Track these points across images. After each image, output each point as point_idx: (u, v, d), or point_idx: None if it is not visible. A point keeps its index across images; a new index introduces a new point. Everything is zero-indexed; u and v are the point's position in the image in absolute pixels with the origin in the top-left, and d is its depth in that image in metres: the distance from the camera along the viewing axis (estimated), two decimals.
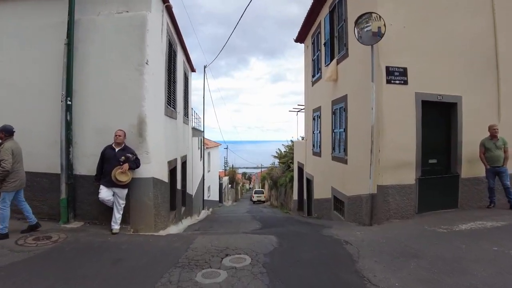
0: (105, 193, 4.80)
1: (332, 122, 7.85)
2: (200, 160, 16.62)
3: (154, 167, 5.28)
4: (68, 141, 5.22)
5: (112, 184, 4.75)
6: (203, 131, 18.82)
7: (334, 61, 7.52)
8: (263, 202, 30.67)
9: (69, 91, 5.24)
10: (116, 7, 5.43)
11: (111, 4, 5.43)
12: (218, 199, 25.05)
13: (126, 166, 4.72)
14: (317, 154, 9.51)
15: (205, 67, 19.27)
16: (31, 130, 5.41)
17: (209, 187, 21.31)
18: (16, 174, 4.50)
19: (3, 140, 4.58)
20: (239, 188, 48.79)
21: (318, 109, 9.52)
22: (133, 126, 5.12)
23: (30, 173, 5.57)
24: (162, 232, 5.58)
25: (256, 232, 5.52)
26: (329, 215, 7.97)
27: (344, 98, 6.98)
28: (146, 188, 5.13)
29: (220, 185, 27.36)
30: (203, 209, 16.16)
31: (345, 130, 6.90)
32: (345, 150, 6.87)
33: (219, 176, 29.03)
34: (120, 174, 4.69)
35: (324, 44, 8.55)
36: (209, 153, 22.16)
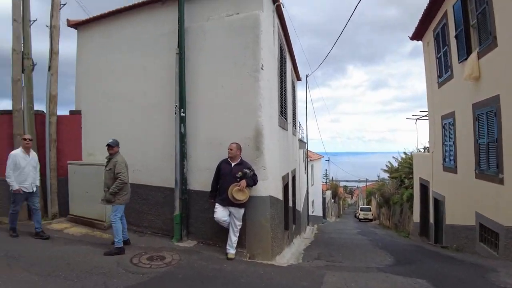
0: (221, 212, 4.69)
1: (475, 130, 6.66)
2: (304, 173, 16.35)
3: (271, 184, 4.98)
4: (183, 154, 5.35)
5: (228, 202, 4.62)
6: (307, 143, 18.68)
7: (474, 55, 6.49)
8: (370, 220, 29.31)
9: (182, 103, 5.34)
10: (225, 10, 5.43)
11: (221, 8, 5.47)
12: (321, 215, 24.31)
13: (243, 183, 4.49)
14: (451, 169, 8.14)
15: (307, 76, 20.06)
16: (145, 143, 5.70)
17: (312, 202, 20.89)
18: (126, 187, 4.92)
19: (114, 154, 4.98)
20: (341, 202, 47.19)
21: (450, 115, 8.22)
22: (249, 138, 4.94)
23: (145, 186, 5.86)
24: (278, 258, 5.23)
25: (396, 271, 4.63)
26: (472, 248, 6.69)
27: (493, 100, 5.81)
28: (263, 208, 4.81)
29: (323, 199, 26.57)
30: (307, 225, 15.67)
31: (497, 140, 5.67)
32: (499, 166, 5.67)
33: (322, 190, 28.26)
34: (237, 191, 4.42)
35: (455, 36, 7.45)
36: (312, 166, 21.79)
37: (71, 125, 7.11)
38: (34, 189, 5.42)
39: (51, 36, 7.08)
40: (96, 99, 6.92)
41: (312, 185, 21.69)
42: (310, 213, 19.02)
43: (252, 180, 4.64)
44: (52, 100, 6.97)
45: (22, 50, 6.84)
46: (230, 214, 4.73)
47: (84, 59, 7.22)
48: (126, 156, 5.19)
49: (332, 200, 39.64)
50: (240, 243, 4.93)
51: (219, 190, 4.79)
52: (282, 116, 6.88)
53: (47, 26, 7.14)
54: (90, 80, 7.06)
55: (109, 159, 5.01)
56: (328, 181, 44.86)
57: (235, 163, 4.73)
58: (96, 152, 6.81)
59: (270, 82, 5.38)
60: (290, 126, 8.56)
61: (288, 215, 7.24)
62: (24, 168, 5.25)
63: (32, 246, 5.07)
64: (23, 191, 5.25)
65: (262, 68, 4.98)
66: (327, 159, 41.15)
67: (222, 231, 5.05)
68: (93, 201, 6.16)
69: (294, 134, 10.01)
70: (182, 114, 5.38)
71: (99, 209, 6.07)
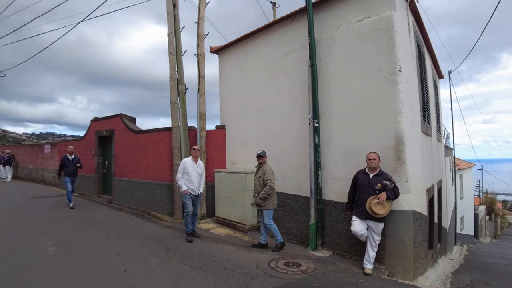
0: (358, 226, 4.62)
1: None
2: (452, 184, 14.39)
3: (414, 198, 4.63)
4: (317, 164, 5.50)
5: (366, 215, 4.53)
6: (454, 149, 16.38)
7: None
8: None
9: (316, 113, 5.53)
10: (355, 16, 5.43)
11: (350, 15, 5.50)
12: (472, 234, 20.89)
13: (383, 195, 4.31)
14: None
15: (450, 72, 17.99)
16: (281, 153, 6.12)
17: (461, 218, 18.20)
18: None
19: (263, 163, 5.65)
20: (498, 220, 39.41)
21: None
22: (388, 147, 4.70)
23: (282, 194, 6.20)
24: (421, 279, 4.83)
25: None
26: None
27: None
28: (405, 224, 4.51)
29: (475, 215, 22.74)
30: (455, 244, 13.73)
31: None
32: None
33: (473, 204, 24.20)
34: (376, 205, 4.26)
35: None
36: (461, 176, 19.00)
37: (217, 138, 8.24)
38: (199, 194, 6.34)
39: (198, 62, 8.41)
40: (237, 114, 7.88)
41: (462, 198, 18.62)
42: (458, 231, 16.50)
43: (393, 193, 4.41)
44: (201, 117, 8.23)
45: (177, 77, 8.30)
46: (368, 228, 4.60)
47: (225, 79, 8.31)
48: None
49: (487, 217, 33.03)
50: (378, 259, 4.76)
51: (356, 202, 4.75)
52: (425, 120, 6.29)
53: (194, 54, 8.54)
54: (231, 97, 8.08)
55: (259, 168, 5.71)
56: (481, 194, 37.58)
57: (373, 174, 4.59)
58: (238, 161, 7.68)
59: (409, 85, 5.03)
60: (434, 131, 7.70)
61: (433, 232, 6.50)
62: (191, 174, 6.17)
63: (186, 242, 6.10)
64: (190, 193, 6.16)
65: (400, 70, 4.72)
66: (480, 167, 34.36)
67: (358, 244, 5.02)
68: (235, 206, 7.00)
69: (438, 140, 8.91)
70: (316, 125, 5.57)
71: (241, 213, 6.86)
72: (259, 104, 7.20)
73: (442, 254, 8.78)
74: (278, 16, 9.40)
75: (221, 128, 8.25)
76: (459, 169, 18.15)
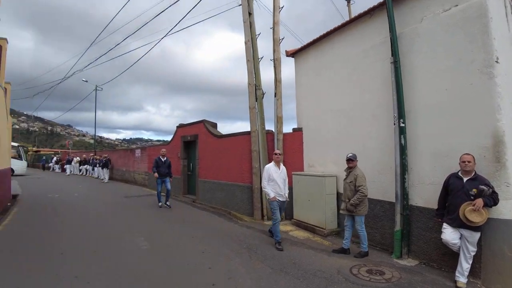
0: (450, 234, 4.35)
1: None
2: None
3: None
4: (403, 167, 5.33)
5: (459, 223, 4.25)
6: None
7: None
8: None
9: (401, 112, 5.36)
10: (440, 5, 5.11)
11: (434, 5, 5.19)
12: None
13: (479, 202, 4.00)
14: None
15: None
16: (362, 155, 6.01)
17: None
18: (366, 199, 5.42)
19: (353, 167, 5.61)
20: None
21: None
22: (484, 148, 4.35)
23: None
24: None
25: None
26: None
27: None
28: (506, 234, 4.14)
29: None
30: None
31: None
32: None
33: None
34: (471, 212, 3.96)
35: None
36: None
37: (294, 140, 8.41)
38: (286, 199, 6.40)
39: (275, 67, 8.69)
40: (314, 116, 7.97)
41: None
42: None
43: (491, 200, 4.03)
44: (279, 121, 8.50)
45: (255, 83, 8.68)
46: (461, 237, 4.25)
47: (301, 81, 8.45)
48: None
49: None
50: (473, 272, 4.39)
51: (448, 208, 4.47)
52: None
53: (271, 60, 8.84)
54: (308, 99, 8.19)
55: (349, 172, 5.69)
56: None
57: (468, 178, 4.26)
58: (315, 164, 7.73)
59: (508, 77, 4.48)
60: None
61: None
62: (276, 180, 6.24)
63: (266, 241, 6.42)
64: (278, 200, 6.23)
65: (497, 62, 4.31)
66: None
67: (449, 254, 4.69)
68: (314, 209, 7.07)
69: None
70: (402, 125, 5.37)
71: (320, 217, 6.91)
72: (337, 104, 7.18)
73: None
74: (353, 13, 9.18)
75: (298, 130, 8.39)
76: None
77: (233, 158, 9.80)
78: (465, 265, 4.22)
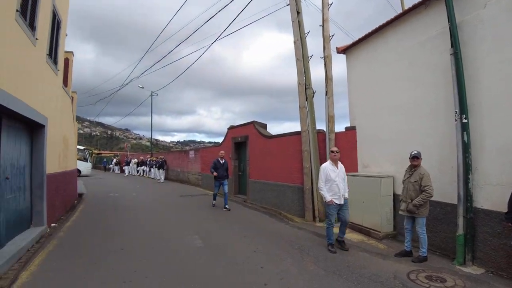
0: None
1: None
2: None
3: None
4: (467, 166, 5.07)
5: None
6: None
7: None
8: None
9: (463, 107, 5.12)
10: None
11: None
12: None
13: None
14: None
15: None
16: (422, 154, 5.50)
17: None
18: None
19: (418, 166, 5.36)
20: None
21: None
22: None
23: None
24: None
25: None
26: None
27: None
28: None
29: None
30: None
31: None
32: None
33: None
34: None
35: None
36: None
37: (347, 140, 8.27)
38: (343, 201, 5.94)
39: (325, 65, 8.61)
40: (368, 114, 7.78)
41: None
42: None
43: None
44: (330, 120, 8.41)
45: (305, 82, 8.67)
46: None
47: (353, 78, 8.29)
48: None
49: None
50: None
51: None
52: None
53: (321, 57, 8.75)
54: (361, 96, 8.02)
55: (413, 171, 5.43)
56: None
57: None
58: (371, 164, 7.53)
59: None
60: None
61: None
62: (334, 180, 5.90)
63: (319, 243, 6.38)
64: (335, 203, 5.87)
65: None
66: None
67: None
68: (369, 211, 6.89)
69: None
70: (464, 121, 5.06)
71: (375, 219, 6.73)
72: (393, 101, 6.93)
73: None
74: (407, 5, 8.78)
75: (351, 129, 8.23)
76: None
77: (283, 159, 9.86)
78: None
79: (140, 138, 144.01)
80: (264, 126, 12.11)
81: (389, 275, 4.67)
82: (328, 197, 5.83)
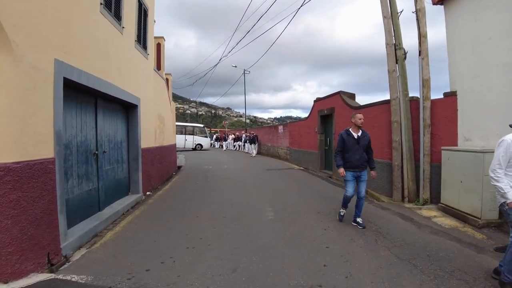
0: None
1: None
2: None
3: None
4: None
5: None
6: None
7: None
8: None
9: None
10: None
11: None
12: None
13: None
14: None
15: None
16: None
17: None
18: None
19: None
20: None
21: None
22: None
23: None
24: None
25: None
26: None
27: None
28: None
29: None
30: None
31: None
32: None
33: None
34: None
35: None
36: None
37: (446, 108, 7.03)
38: None
39: (418, 20, 7.34)
40: (473, 76, 6.41)
41: None
42: None
43: None
44: (425, 84, 7.22)
45: (394, 42, 7.55)
46: None
47: (454, 34, 6.92)
48: None
49: None
50: None
51: None
52: None
53: (413, 12, 7.41)
54: (464, 55, 6.65)
55: None
56: None
57: None
58: (474, 137, 6.28)
59: None
60: None
61: None
62: None
63: (401, 227, 5.64)
64: None
65: None
66: None
67: None
68: (467, 193, 5.83)
69: None
70: None
71: (474, 203, 5.63)
72: (505, 58, 5.46)
73: None
74: None
75: (450, 95, 6.89)
76: None
77: (371, 131, 8.92)
78: None
79: (241, 116, 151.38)
80: (352, 96, 11.15)
81: (480, 272, 3.76)
82: (510, 194, 3.23)
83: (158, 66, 12.50)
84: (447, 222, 5.87)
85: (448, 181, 6.39)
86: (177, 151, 26.17)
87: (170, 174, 12.58)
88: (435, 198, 6.98)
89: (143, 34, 8.82)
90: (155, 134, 10.35)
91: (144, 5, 8.81)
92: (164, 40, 13.26)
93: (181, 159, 17.78)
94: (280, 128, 19.32)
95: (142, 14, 8.67)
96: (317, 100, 13.40)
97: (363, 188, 5.66)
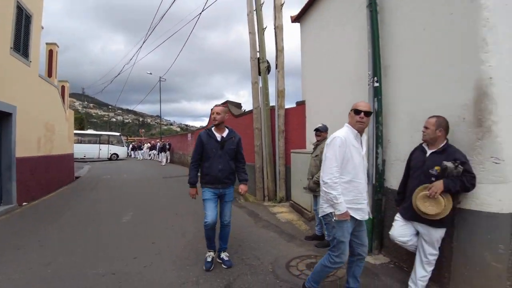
0: (398, 229, 2.99)
1: None
2: None
3: None
4: (377, 138, 3.88)
5: (411, 215, 2.85)
6: None
7: None
8: None
9: (376, 69, 3.97)
10: None
11: None
12: None
13: (437, 185, 2.59)
14: None
15: None
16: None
17: None
18: None
19: (322, 140, 4.51)
20: None
21: None
22: (463, 106, 2.83)
23: None
24: None
25: None
26: None
27: None
28: (493, 235, 2.59)
29: None
30: None
31: None
32: None
33: None
34: (424, 199, 2.61)
35: None
36: None
37: (298, 116, 7.24)
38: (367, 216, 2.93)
39: (276, 36, 7.48)
40: (315, 86, 6.68)
41: None
42: None
43: (459, 182, 2.52)
44: (280, 95, 7.38)
45: (258, 56, 7.64)
46: (418, 234, 2.81)
47: (305, 49, 7.22)
48: None
49: None
50: (440, 284, 2.91)
51: (407, 193, 2.99)
52: None
53: (274, 28, 7.56)
54: (311, 69, 6.95)
55: (317, 145, 4.59)
56: None
57: (432, 150, 2.76)
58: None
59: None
60: None
61: None
62: (357, 167, 2.78)
63: (239, 223, 5.49)
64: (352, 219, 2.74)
65: None
66: None
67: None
68: (303, 190, 5.86)
69: None
70: (376, 84, 3.92)
71: (307, 198, 5.75)
72: (332, 71, 5.74)
73: None
74: None
75: (301, 104, 7.13)
76: None
77: (245, 137, 8.95)
78: (420, 272, 2.79)
79: (171, 124, 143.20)
80: (239, 105, 11.18)
81: (271, 258, 3.89)
82: (341, 203, 2.49)
83: (50, 73, 11.25)
84: (288, 216, 5.97)
85: (294, 180, 6.51)
86: (91, 161, 24.11)
87: (61, 185, 11.26)
88: (290, 196, 7.06)
89: (24, 40, 7.82)
90: (38, 143, 9.16)
91: (27, 10, 7.82)
92: (58, 47, 11.95)
93: (84, 170, 16.15)
94: (189, 135, 18.67)
95: (23, 20, 7.71)
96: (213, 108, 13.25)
97: (228, 211, 3.76)
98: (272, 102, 7.71)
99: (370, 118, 2.72)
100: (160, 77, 29.69)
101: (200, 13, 11.38)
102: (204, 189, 3.66)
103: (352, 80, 4.85)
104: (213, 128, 3.71)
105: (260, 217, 5.98)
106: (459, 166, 2.48)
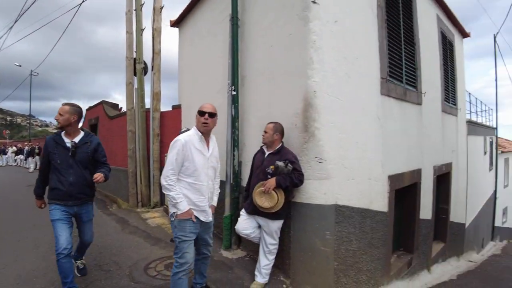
0: (242, 222, 3.26)
1: None
2: (489, 170, 11.68)
3: (341, 186, 3.02)
4: (234, 142, 3.95)
5: (252, 209, 3.12)
6: (496, 128, 13.61)
7: None
8: None
9: (234, 78, 4.12)
10: None
11: None
12: None
13: (270, 181, 2.81)
14: None
15: (495, 36, 14.64)
16: (214, 133, 4.51)
17: (505, 209, 15.15)
18: None
19: None
20: None
21: None
22: (296, 114, 3.14)
23: None
24: None
25: None
26: None
27: None
28: (321, 223, 2.94)
29: None
30: (491, 240, 11.24)
31: None
32: None
33: None
34: (260, 194, 2.78)
35: None
36: (506, 160, 15.55)
37: (173, 119, 6.99)
38: (210, 218, 3.00)
39: (153, 38, 7.18)
40: (190, 91, 6.56)
41: (506, 186, 15.18)
42: (500, 224, 13.90)
43: (289, 179, 2.86)
44: (155, 97, 7.06)
45: (134, 56, 7.15)
46: (260, 227, 3.07)
47: (182, 54, 7.04)
48: None
49: None
50: (283, 270, 3.23)
51: (250, 190, 3.23)
52: (398, 80, 4.32)
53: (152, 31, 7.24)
54: (187, 73, 6.81)
55: None
56: None
57: (270, 152, 3.06)
58: None
59: (341, 25, 3.29)
60: (432, 99, 5.54)
61: (414, 231, 4.70)
62: (199, 170, 2.76)
63: (105, 230, 5.11)
64: (196, 219, 2.78)
65: (314, 2, 3.05)
66: None
67: None
68: None
69: (449, 112, 6.60)
70: (234, 93, 4.09)
71: None
72: (204, 79, 5.76)
73: (453, 254, 6.85)
74: None
75: (177, 108, 6.98)
76: (502, 152, 14.59)
77: (119, 140, 8.25)
78: (263, 261, 3.05)
79: (47, 125, 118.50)
80: (115, 106, 10.24)
81: (127, 261, 3.72)
82: (182, 203, 2.49)
83: None
84: (159, 221, 5.70)
85: None
86: None
87: None
88: (164, 201, 6.70)
89: None
90: None
91: None
92: None
93: None
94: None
95: None
96: (88, 109, 11.81)
97: (89, 231, 3.13)
98: (148, 105, 7.34)
99: (216, 119, 2.78)
100: (31, 71, 24.91)
101: (81, 4, 9.98)
102: (52, 206, 2.83)
103: (218, 88, 4.99)
104: (62, 133, 2.91)
105: (129, 224, 5.55)
106: (289, 165, 2.81)
